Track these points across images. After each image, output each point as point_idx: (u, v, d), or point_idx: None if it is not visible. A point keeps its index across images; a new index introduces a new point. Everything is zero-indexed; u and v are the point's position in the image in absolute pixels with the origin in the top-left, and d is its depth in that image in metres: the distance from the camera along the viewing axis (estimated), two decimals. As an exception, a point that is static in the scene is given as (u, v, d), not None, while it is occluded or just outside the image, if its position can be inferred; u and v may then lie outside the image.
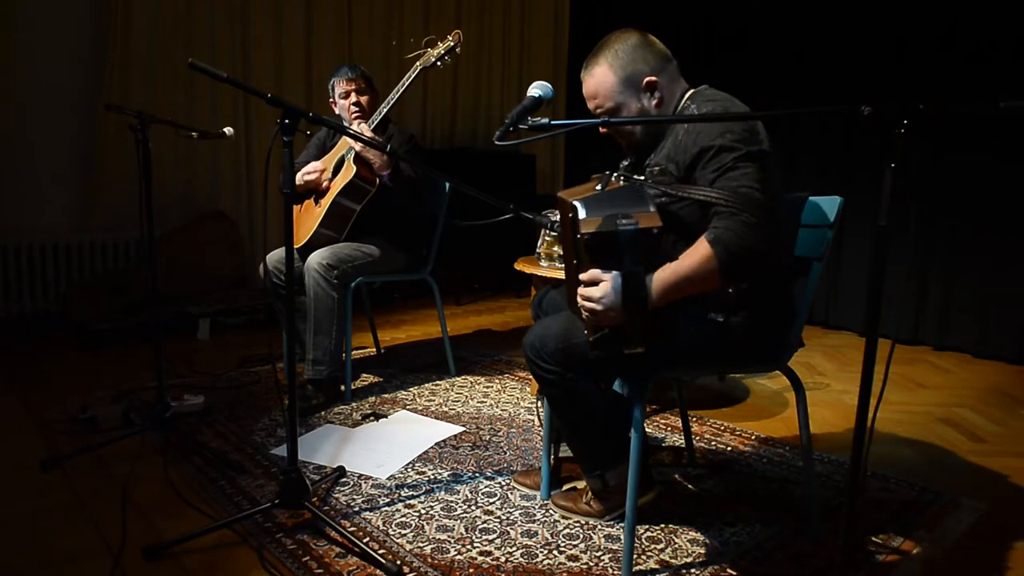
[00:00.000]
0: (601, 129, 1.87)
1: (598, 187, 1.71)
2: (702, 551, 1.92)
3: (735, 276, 1.64)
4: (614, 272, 1.61)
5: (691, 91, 1.87)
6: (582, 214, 1.61)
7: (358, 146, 2.91)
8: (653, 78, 1.83)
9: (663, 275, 1.63)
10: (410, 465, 2.41)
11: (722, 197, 1.62)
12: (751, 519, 2.09)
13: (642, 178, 1.77)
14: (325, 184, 3.06)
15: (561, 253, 2.88)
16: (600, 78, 1.84)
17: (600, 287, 1.62)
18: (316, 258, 2.90)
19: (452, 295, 4.97)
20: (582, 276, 1.64)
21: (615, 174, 1.79)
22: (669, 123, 1.89)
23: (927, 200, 3.90)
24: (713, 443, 2.64)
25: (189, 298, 4.04)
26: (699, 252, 1.62)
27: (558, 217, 2.74)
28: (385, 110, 3.00)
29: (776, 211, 1.71)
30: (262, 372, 3.33)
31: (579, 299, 1.65)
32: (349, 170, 2.97)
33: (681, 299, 1.65)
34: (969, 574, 1.88)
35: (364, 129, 2.90)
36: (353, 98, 3.07)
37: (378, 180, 2.98)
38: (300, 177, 3.05)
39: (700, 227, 1.68)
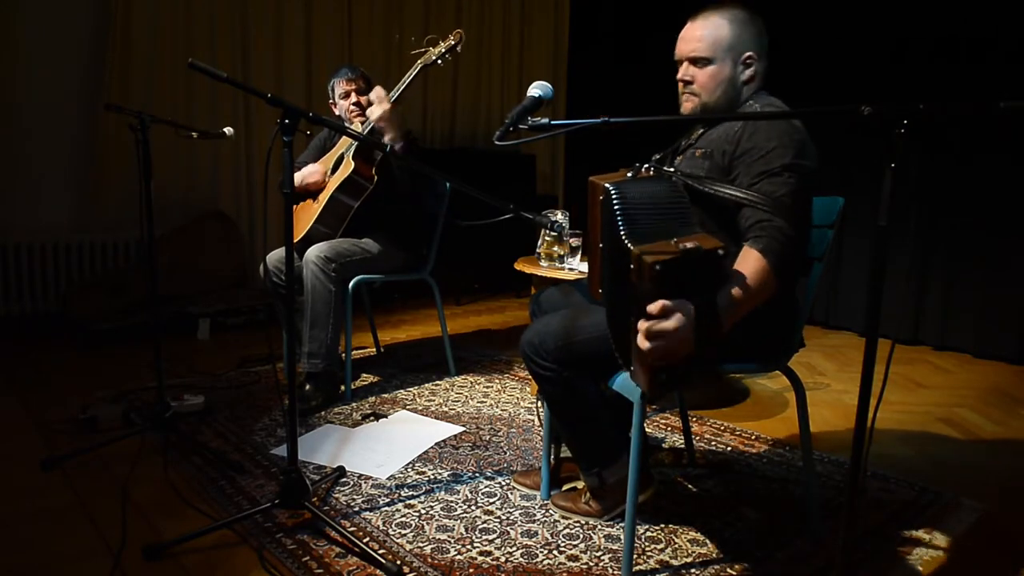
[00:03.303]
0: (681, 75, 1.87)
1: (629, 174, 1.70)
2: (702, 551, 1.92)
3: (783, 282, 1.63)
4: (684, 301, 1.43)
5: (758, 91, 1.88)
6: (633, 246, 1.45)
7: (380, 111, 2.87)
8: (754, 57, 1.84)
9: (729, 297, 1.54)
10: (410, 465, 2.41)
11: (756, 199, 1.61)
12: (751, 519, 2.09)
13: (671, 170, 1.75)
14: (324, 180, 3.07)
15: (562, 253, 2.88)
16: (715, 26, 1.83)
17: (673, 319, 1.40)
18: (315, 251, 2.91)
19: (452, 295, 4.97)
20: (651, 308, 1.42)
21: (645, 165, 1.77)
22: (674, 123, 1.89)
23: (927, 200, 3.90)
24: (713, 443, 2.64)
25: (189, 298, 4.04)
26: (753, 266, 1.59)
27: (559, 216, 2.73)
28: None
29: (805, 226, 1.72)
30: (262, 372, 3.33)
31: (641, 338, 1.44)
32: (347, 166, 2.99)
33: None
34: (969, 574, 1.88)
35: (383, 105, 2.86)
36: (353, 98, 3.10)
37: (376, 177, 2.99)
38: (300, 179, 3.06)
39: (729, 213, 1.69)
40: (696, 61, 1.85)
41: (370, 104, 2.96)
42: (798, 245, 1.64)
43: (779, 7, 4.41)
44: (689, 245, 1.42)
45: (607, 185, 1.56)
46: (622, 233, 1.50)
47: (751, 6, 1.87)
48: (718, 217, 1.74)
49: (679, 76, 1.89)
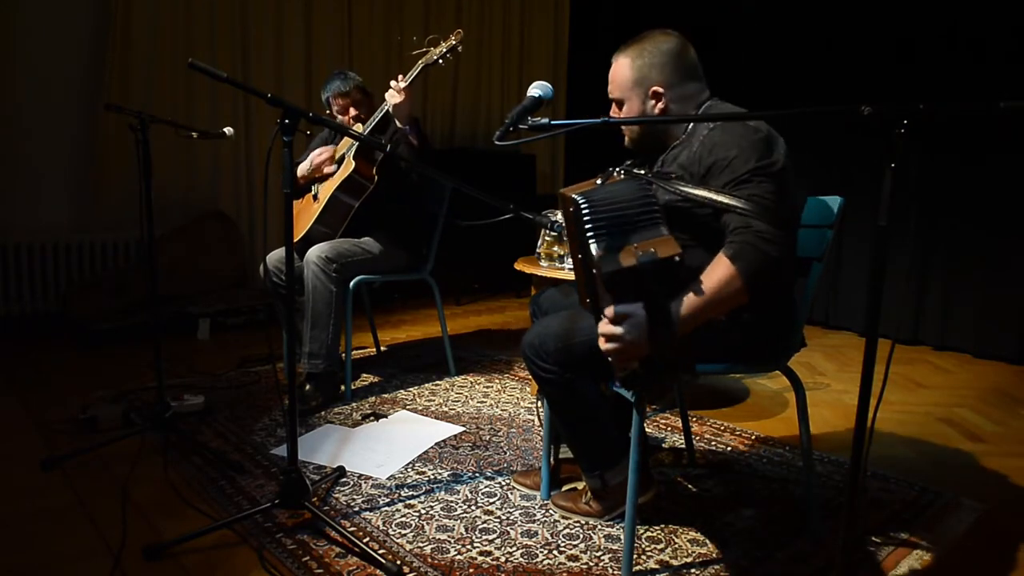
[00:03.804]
0: (611, 114, 1.92)
1: (598, 181, 1.71)
2: (702, 551, 1.92)
3: (758, 289, 1.61)
4: (637, 306, 1.51)
5: (705, 105, 1.87)
6: (594, 250, 1.51)
7: (398, 100, 2.88)
8: (660, 89, 1.84)
9: (687, 302, 1.56)
10: (410, 465, 2.41)
11: (736, 203, 1.59)
12: (751, 519, 2.09)
13: (642, 172, 1.76)
14: (327, 170, 3.07)
15: (561, 253, 2.88)
16: (620, 69, 1.88)
17: (625, 323, 1.51)
18: (316, 251, 2.91)
19: (452, 295, 4.97)
20: (607, 312, 1.52)
21: (616, 169, 1.78)
22: (668, 123, 1.89)
23: (927, 200, 3.90)
24: (713, 443, 2.64)
25: (189, 298, 4.04)
26: (721, 272, 1.59)
27: (559, 216, 2.73)
28: (388, 108, 3.01)
29: (792, 223, 1.70)
30: (262, 372, 3.33)
31: (601, 340, 1.56)
32: (348, 166, 2.99)
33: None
34: (969, 574, 1.88)
35: (402, 95, 2.88)
36: (352, 112, 3.11)
37: (376, 177, 3.00)
38: (310, 163, 3.08)
39: (713, 229, 1.67)
40: (615, 102, 1.91)
41: (364, 115, 3.01)
42: (784, 245, 1.61)
43: (780, 7, 4.43)
44: (643, 252, 1.46)
45: (574, 196, 1.58)
46: (589, 240, 1.53)
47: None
48: (696, 231, 1.71)
49: (610, 114, 1.93)
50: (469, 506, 2.14)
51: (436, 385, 3.23)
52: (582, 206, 1.55)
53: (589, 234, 1.53)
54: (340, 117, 3.13)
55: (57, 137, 3.96)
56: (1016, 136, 3.59)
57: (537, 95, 1.72)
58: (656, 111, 1.86)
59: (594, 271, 1.53)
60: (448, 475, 2.34)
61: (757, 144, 1.70)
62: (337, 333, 2.93)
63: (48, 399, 2.91)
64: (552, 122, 1.57)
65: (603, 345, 1.55)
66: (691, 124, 1.85)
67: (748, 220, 1.59)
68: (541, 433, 2.45)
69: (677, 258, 1.48)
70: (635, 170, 1.79)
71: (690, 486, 2.30)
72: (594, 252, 1.51)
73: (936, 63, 3.81)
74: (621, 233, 1.52)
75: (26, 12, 3.80)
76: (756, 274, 1.58)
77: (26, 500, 2.13)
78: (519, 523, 2.05)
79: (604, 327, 1.55)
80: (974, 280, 3.82)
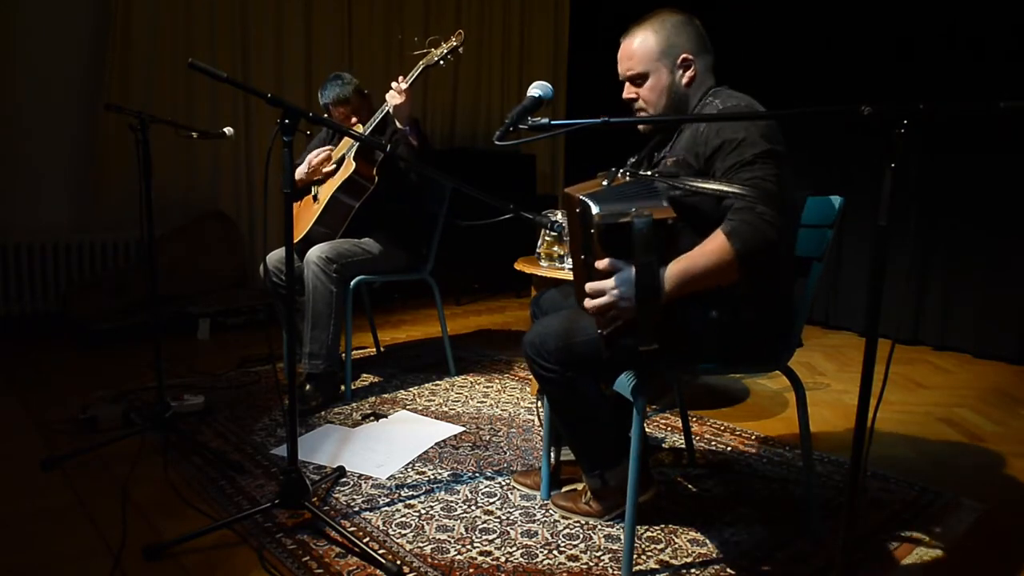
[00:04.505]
0: (625, 95, 1.91)
1: (604, 183, 1.71)
2: (702, 551, 1.92)
3: (751, 270, 1.62)
4: (627, 263, 1.57)
5: (715, 88, 1.88)
6: (595, 209, 1.57)
7: (399, 100, 2.89)
8: (690, 56, 1.85)
9: (677, 267, 1.60)
10: (410, 465, 2.41)
11: (739, 190, 1.61)
12: (751, 519, 2.09)
13: (649, 173, 1.76)
14: (326, 169, 3.07)
15: (561, 253, 2.88)
16: (641, 42, 1.86)
17: (614, 277, 1.59)
18: (316, 252, 2.92)
19: (452, 295, 4.97)
20: (598, 264, 1.59)
21: (621, 170, 1.78)
22: (671, 123, 1.89)
23: (927, 200, 3.90)
24: (713, 443, 2.64)
25: (189, 298, 4.04)
26: (715, 245, 1.60)
27: (559, 216, 2.74)
28: (388, 109, 3.01)
29: (787, 209, 1.71)
30: (262, 372, 3.33)
31: (588, 293, 1.61)
32: (348, 167, 2.99)
33: (689, 296, 1.63)
34: (969, 574, 1.88)
35: (402, 96, 2.89)
36: (353, 119, 3.12)
37: (377, 177, 3.00)
38: (307, 164, 3.07)
39: (714, 218, 1.67)
40: (634, 79, 1.89)
41: (364, 116, 3.01)
42: (780, 229, 1.62)
43: (780, 7, 4.42)
44: (640, 212, 1.52)
45: (582, 197, 1.60)
46: (590, 203, 1.57)
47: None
48: (703, 226, 1.71)
49: (623, 96, 1.92)
50: (469, 506, 2.14)
51: (436, 385, 3.23)
52: (593, 208, 1.58)
53: (590, 200, 1.58)
54: (340, 121, 3.13)
55: (57, 137, 3.97)
56: (1016, 136, 3.59)
57: (537, 95, 1.72)
58: (685, 80, 1.86)
59: (592, 230, 1.57)
60: (448, 475, 2.34)
61: (764, 130, 1.71)
62: (337, 333, 2.93)
63: (48, 399, 2.91)
64: (552, 122, 1.57)
65: (588, 303, 1.60)
66: (699, 103, 1.86)
67: (751, 203, 1.60)
68: (541, 433, 2.45)
69: (670, 221, 1.53)
70: (640, 171, 1.78)
71: (690, 486, 2.30)
72: (594, 212, 1.56)
73: (936, 63, 3.81)
74: (620, 202, 1.58)
75: (26, 12, 3.80)
76: (751, 252, 1.59)
77: (26, 500, 2.13)
78: (519, 523, 2.05)
79: (592, 284, 1.59)
80: (974, 280, 3.82)
